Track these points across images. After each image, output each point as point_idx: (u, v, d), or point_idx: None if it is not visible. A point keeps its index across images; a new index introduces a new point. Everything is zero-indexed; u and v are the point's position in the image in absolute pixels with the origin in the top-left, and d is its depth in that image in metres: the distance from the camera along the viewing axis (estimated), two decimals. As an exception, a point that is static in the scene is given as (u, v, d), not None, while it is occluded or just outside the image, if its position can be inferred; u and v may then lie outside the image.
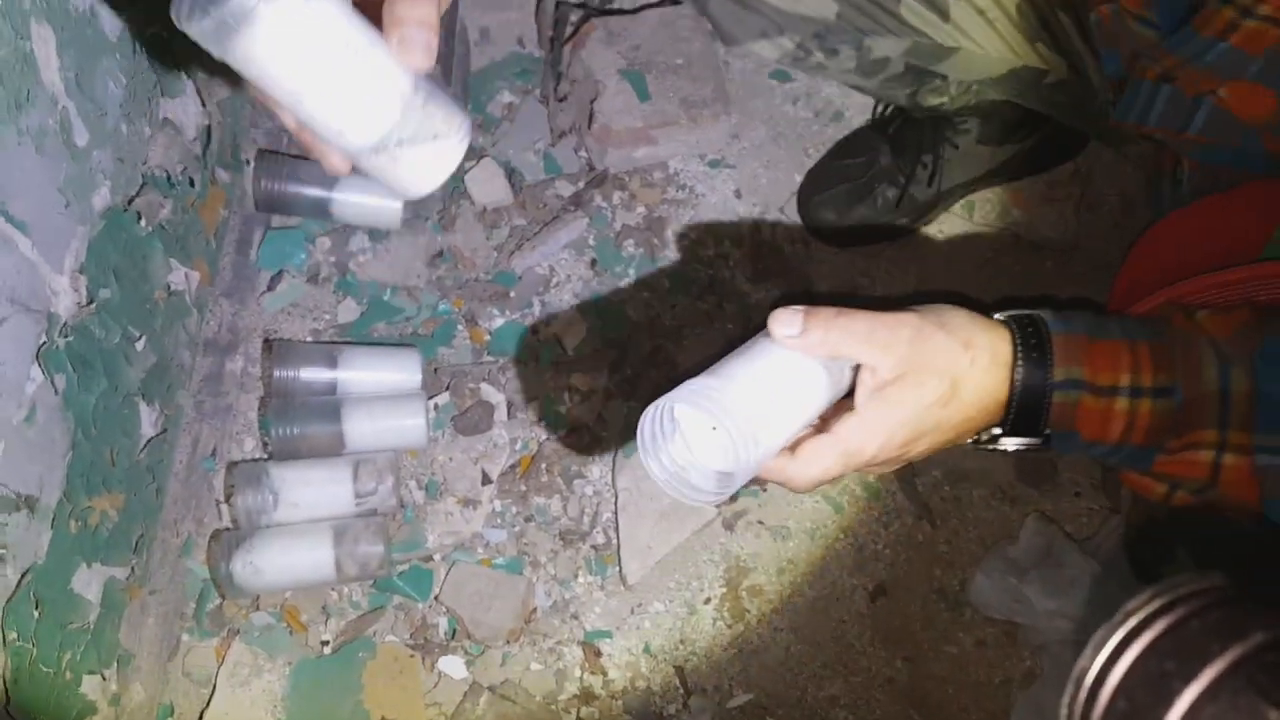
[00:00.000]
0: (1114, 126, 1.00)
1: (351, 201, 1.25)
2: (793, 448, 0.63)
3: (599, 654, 1.12)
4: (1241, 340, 0.65)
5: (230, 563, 1.07)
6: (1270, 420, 0.64)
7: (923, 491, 1.19)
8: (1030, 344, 0.64)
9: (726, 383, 0.60)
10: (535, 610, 1.14)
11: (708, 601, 1.15)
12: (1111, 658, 0.41)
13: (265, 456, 1.16)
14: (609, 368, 1.25)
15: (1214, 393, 0.64)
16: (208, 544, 1.13)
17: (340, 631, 1.12)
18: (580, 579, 1.16)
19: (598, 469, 1.20)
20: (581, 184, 1.34)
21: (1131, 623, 0.42)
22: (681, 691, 1.11)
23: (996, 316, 0.67)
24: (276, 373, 1.15)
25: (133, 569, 1.06)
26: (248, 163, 1.28)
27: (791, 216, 1.33)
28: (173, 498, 1.14)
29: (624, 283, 1.30)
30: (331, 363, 1.17)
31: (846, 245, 1.31)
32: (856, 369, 0.64)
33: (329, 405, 1.15)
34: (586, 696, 1.11)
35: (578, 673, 1.12)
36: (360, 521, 1.11)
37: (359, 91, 0.58)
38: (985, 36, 1.03)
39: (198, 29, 0.54)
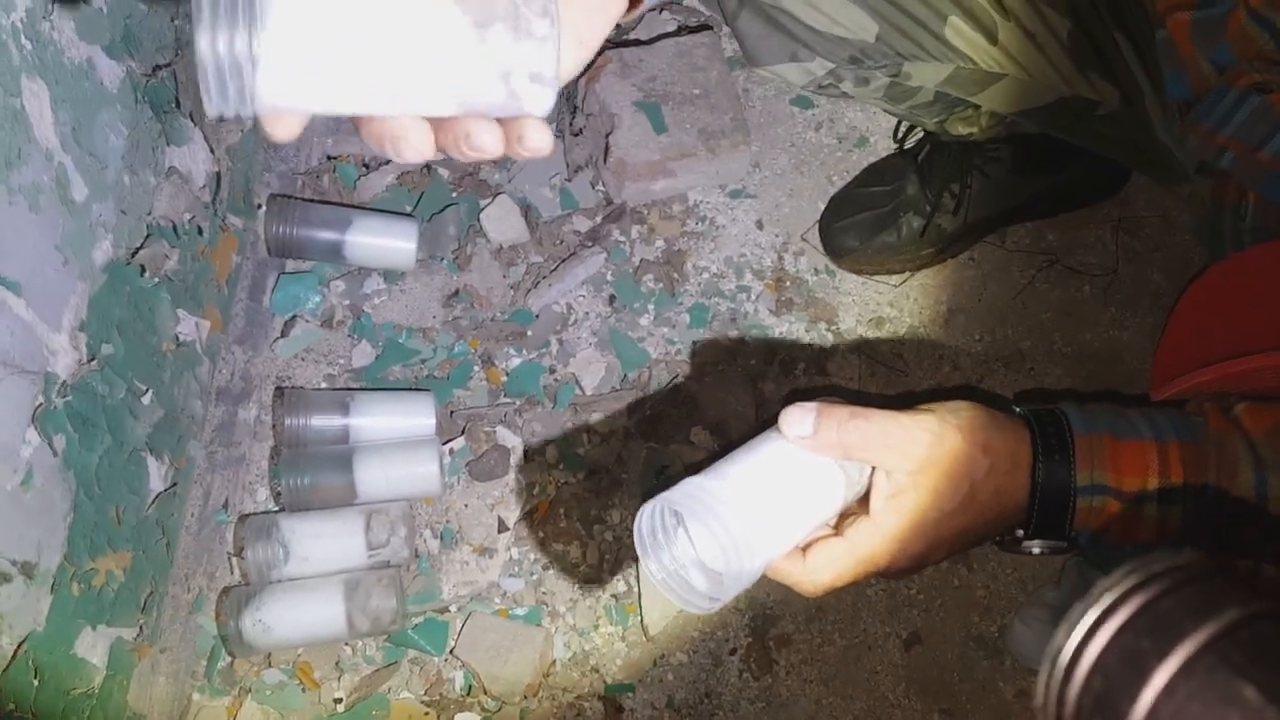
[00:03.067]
0: (1166, 156, 0.94)
1: (365, 243, 1.23)
2: (805, 548, 0.60)
3: (620, 709, 1.08)
4: (1277, 438, 0.61)
5: (239, 620, 1.04)
6: None
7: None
8: (1051, 444, 0.61)
9: (727, 485, 0.56)
10: (554, 663, 1.10)
11: (733, 652, 1.10)
12: (1086, 636, 0.41)
13: (277, 508, 1.14)
14: (628, 408, 1.21)
15: (1249, 500, 0.61)
16: (217, 600, 1.10)
17: (354, 688, 1.08)
18: (600, 629, 1.12)
19: (618, 513, 1.16)
20: (599, 219, 1.30)
21: (1106, 600, 0.41)
22: (707, 748, 1.06)
23: (1017, 410, 0.63)
24: (287, 421, 1.13)
25: (141, 628, 1.04)
26: (260, 207, 1.26)
27: (815, 245, 1.29)
28: (183, 552, 1.11)
29: (643, 319, 1.26)
30: (343, 409, 1.14)
31: (876, 273, 1.26)
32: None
33: (341, 454, 1.12)
34: (608, 754, 1.06)
35: (599, 729, 1.08)
36: (373, 575, 1.08)
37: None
38: (1033, 62, 0.96)
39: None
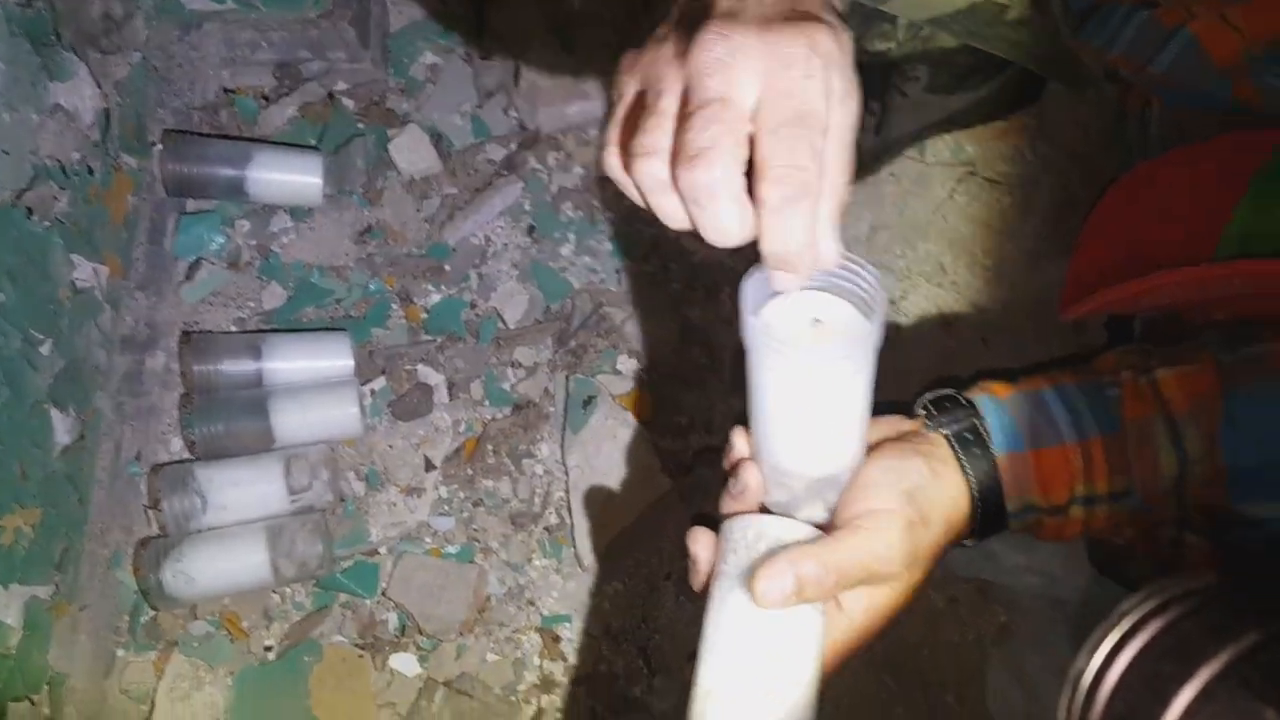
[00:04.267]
0: (1075, 63, 0.93)
1: (268, 179, 1.18)
2: None
3: (558, 639, 1.08)
4: (1202, 414, 0.61)
5: (159, 572, 1.01)
6: (1245, 492, 0.61)
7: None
8: (980, 469, 0.62)
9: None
10: (489, 599, 1.09)
11: (668, 577, 1.10)
12: (1107, 659, 0.41)
13: (192, 457, 1.10)
14: (553, 339, 1.19)
15: (1171, 491, 0.62)
16: (134, 554, 1.07)
17: (284, 635, 1.06)
18: (535, 563, 1.11)
19: (547, 447, 1.15)
20: (513, 146, 1.27)
21: (1126, 624, 0.42)
22: (646, 673, 1.06)
23: (943, 431, 0.63)
24: (196, 367, 1.09)
25: (57, 585, 1.00)
26: (155, 145, 1.20)
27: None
28: (98, 507, 1.08)
29: (564, 249, 1.23)
30: (255, 353, 1.10)
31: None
32: None
33: (255, 399, 1.08)
34: (547, 685, 1.06)
35: (537, 661, 1.07)
36: (296, 520, 1.05)
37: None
38: None
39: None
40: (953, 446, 0.62)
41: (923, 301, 1.20)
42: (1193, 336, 0.68)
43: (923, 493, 0.60)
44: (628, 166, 0.51)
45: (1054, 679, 0.99)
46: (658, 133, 0.50)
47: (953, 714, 1.05)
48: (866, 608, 0.60)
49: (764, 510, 0.61)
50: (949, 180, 1.25)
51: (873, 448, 0.61)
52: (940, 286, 1.21)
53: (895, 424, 0.65)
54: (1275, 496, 0.61)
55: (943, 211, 1.24)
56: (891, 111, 1.17)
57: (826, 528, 0.60)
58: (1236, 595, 0.43)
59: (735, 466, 0.61)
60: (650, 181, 0.50)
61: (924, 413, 0.64)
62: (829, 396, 0.53)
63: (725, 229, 0.49)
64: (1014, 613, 1.06)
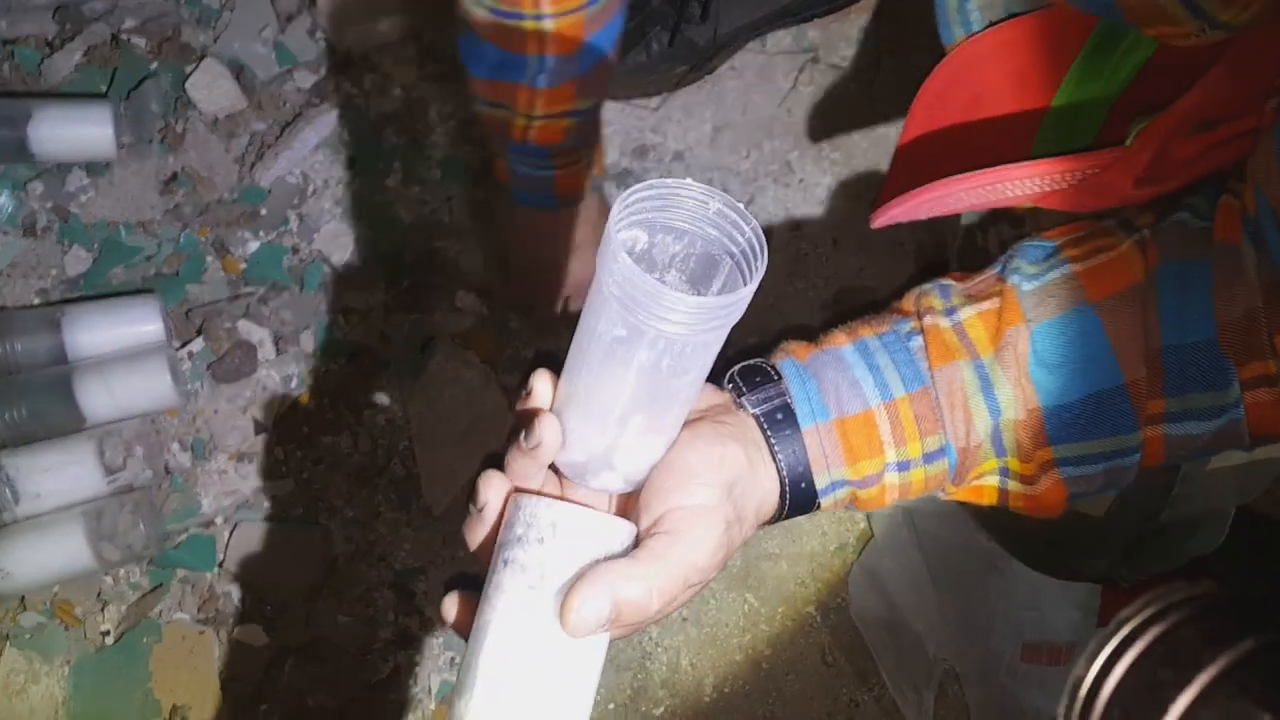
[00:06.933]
0: None
1: (53, 135, 1.08)
2: None
3: (412, 594, 1.04)
4: (1009, 354, 0.57)
5: (-26, 570, 0.96)
6: (1060, 432, 0.57)
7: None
8: (789, 452, 0.56)
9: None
10: (336, 559, 1.04)
11: (522, 519, 1.06)
12: (1105, 667, 0.42)
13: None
14: (385, 280, 1.12)
15: (987, 441, 0.57)
16: (-56, 555, 1.01)
17: (121, 618, 1.02)
18: (383, 517, 1.06)
19: (387, 394, 1.09)
20: (323, 72, 1.17)
21: (1124, 631, 0.42)
22: (505, 618, 1.03)
23: (753, 412, 0.57)
24: (-9, 349, 1.01)
25: None
26: (-77, 106, 1.09)
27: (567, 75, 1.18)
28: (-98, 507, 1.01)
29: (390, 180, 1.15)
30: (53, 326, 1.02)
31: (631, 97, 1.16)
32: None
33: (58, 377, 1.01)
34: (403, 640, 1.03)
35: (391, 617, 1.03)
36: (115, 501, 0.99)
37: None
38: None
39: None
40: (764, 430, 0.56)
41: (770, 204, 1.14)
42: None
43: (740, 486, 0.55)
44: None
45: (910, 588, 0.97)
46: None
47: (815, 626, 1.03)
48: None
49: (553, 469, 0.55)
50: (792, 69, 1.18)
51: (687, 423, 0.55)
52: (788, 187, 1.15)
53: (709, 395, 0.58)
54: (1091, 434, 0.57)
55: (787, 104, 1.17)
56: (719, 1, 1.09)
57: (628, 507, 0.54)
58: (1235, 602, 0.43)
59: (531, 417, 0.53)
60: None
61: (732, 387, 0.58)
62: (675, 361, 0.47)
63: None
64: (873, 520, 1.03)
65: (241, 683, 1.00)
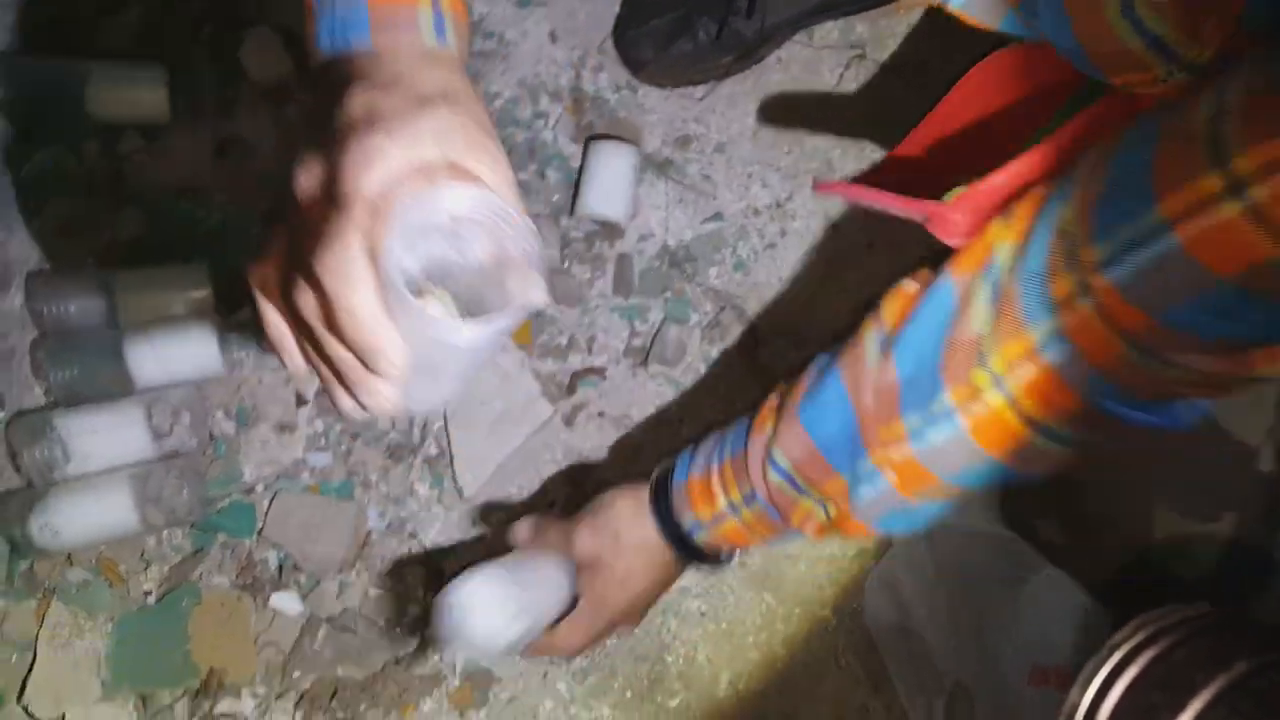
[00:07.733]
0: None
1: (109, 97, 1.10)
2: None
3: (442, 572, 1.07)
4: (786, 427, 0.74)
5: (25, 527, 0.99)
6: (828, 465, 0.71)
7: (765, 364, 1.11)
8: (660, 507, 0.85)
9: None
10: (370, 533, 1.08)
11: (553, 505, 1.09)
12: (1101, 691, 0.43)
13: (51, 403, 1.06)
14: (427, 258, 1.13)
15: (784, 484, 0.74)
16: (-2, 508, 1.04)
17: (163, 579, 1.06)
18: (416, 494, 1.09)
19: (424, 372, 1.11)
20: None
21: (1118, 656, 0.43)
22: (530, 598, 1.06)
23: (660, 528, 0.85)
24: (43, 308, 1.04)
25: (-78, 544, 0.99)
26: None
27: (614, 58, 1.18)
28: (-42, 459, 1.05)
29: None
30: (105, 290, 1.05)
31: (676, 85, 1.17)
32: None
33: (109, 340, 1.04)
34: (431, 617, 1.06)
35: (420, 593, 1.07)
36: (162, 466, 1.03)
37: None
38: None
39: None
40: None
41: (809, 202, 1.15)
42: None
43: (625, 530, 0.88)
44: None
45: (923, 600, 0.99)
46: None
47: (831, 629, 1.06)
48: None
49: None
50: (838, 65, 1.17)
51: None
52: (830, 185, 1.15)
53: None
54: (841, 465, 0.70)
55: (832, 101, 1.17)
56: (767, -8, 1.09)
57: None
58: (1227, 625, 0.44)
59: None
60: None
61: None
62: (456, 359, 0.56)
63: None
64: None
65: (275, 649, 1.04)
